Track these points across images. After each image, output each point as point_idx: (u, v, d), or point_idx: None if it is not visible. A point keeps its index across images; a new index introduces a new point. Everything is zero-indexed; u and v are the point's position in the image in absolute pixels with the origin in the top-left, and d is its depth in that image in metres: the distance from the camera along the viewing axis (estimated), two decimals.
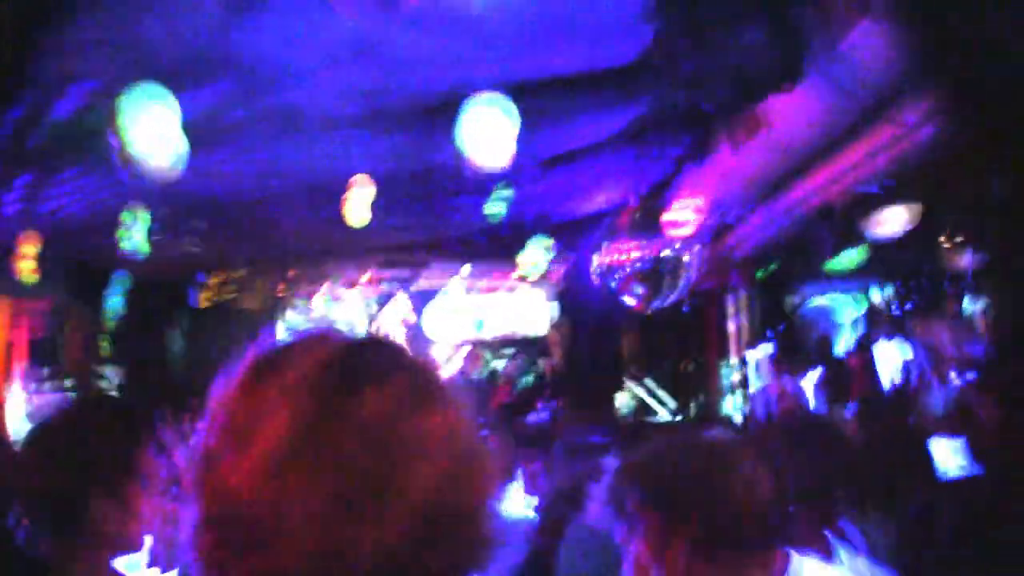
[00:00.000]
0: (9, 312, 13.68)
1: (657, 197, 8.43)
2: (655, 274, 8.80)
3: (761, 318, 12.13)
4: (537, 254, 10.34)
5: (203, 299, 14.62)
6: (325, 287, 17.36)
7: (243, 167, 7.87)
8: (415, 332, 17.51)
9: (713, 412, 12.55)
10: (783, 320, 12.05)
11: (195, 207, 9.07)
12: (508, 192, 8.45)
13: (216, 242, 10.85)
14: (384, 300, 17.74)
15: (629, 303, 9.09)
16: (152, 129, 5.17)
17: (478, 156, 5.61)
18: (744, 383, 12.08)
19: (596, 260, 9.11)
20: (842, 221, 8.34)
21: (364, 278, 16.77)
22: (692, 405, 13.20)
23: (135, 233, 8.29)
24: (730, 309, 12.51)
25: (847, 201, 8.06)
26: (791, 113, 6.86)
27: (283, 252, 12.83)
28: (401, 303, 17.64)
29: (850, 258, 9.63)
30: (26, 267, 8.96)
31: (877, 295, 12.40)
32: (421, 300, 17.42)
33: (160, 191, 8.23)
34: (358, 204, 7.66)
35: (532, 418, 12.26)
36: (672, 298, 9.08)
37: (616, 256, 8.81)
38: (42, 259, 9.23)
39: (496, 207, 8.55)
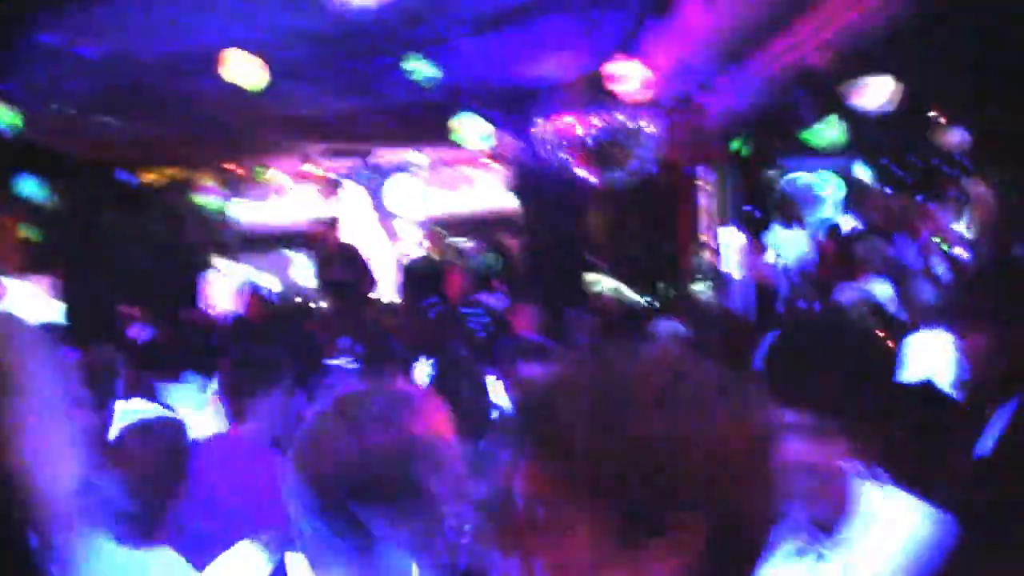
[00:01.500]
0: None
1: (614, 60, 7.32)
2: (611, 145, 7.76)
3: (736, 195, 11.17)
4: (475, 124, 9.25)
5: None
6: (271, 175, 16.52)
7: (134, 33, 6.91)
8: (376, 215, 16.82)
9: (685, 298, 11.72)
10: (760, 197, 11.07)
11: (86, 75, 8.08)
12: (432, 54, 7.43)
13: (133, 121, 9.92)
14: (336, 186, 16.99)
15: (583, 178, 8.08)
16: None
17: None
18: (717, 266, 11.19)
19: (546, 131, 8.05)
20: (821, 86, 7.31)
21: (313, 168, 15.93)
22: (662, 290, 12.31)
23: None
24: (703, 185, 11.56)
25: (826, 63, 7.02)
26: None
27: (210, 135, 11.81)
28: (353, 188, 16.88)
29: (833, 132, 8.66)
30: None
31: (862, 173, 11.41)
32: (377, 182, 16.74)
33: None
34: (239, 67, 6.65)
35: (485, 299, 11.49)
36: (630, 172, 8.07)
37: (568, 126, 7.76)
38: None
39: (420, 67, 7.47)
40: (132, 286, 12.49)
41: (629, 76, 7.01)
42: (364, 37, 7.38)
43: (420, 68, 7.49)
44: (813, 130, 8.83)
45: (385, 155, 15.84)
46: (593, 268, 12.68)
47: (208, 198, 14.40)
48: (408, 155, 15.86)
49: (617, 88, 6.98)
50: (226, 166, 15.74)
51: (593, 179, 7.89)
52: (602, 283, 11.06)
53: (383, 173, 16.31)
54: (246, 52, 6.68)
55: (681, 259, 12.09)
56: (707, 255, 11.56)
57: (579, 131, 7.59)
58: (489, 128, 9.21)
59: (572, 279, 11.66)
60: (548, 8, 7.72)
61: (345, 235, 15.85)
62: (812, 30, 6.60)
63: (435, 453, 1.88)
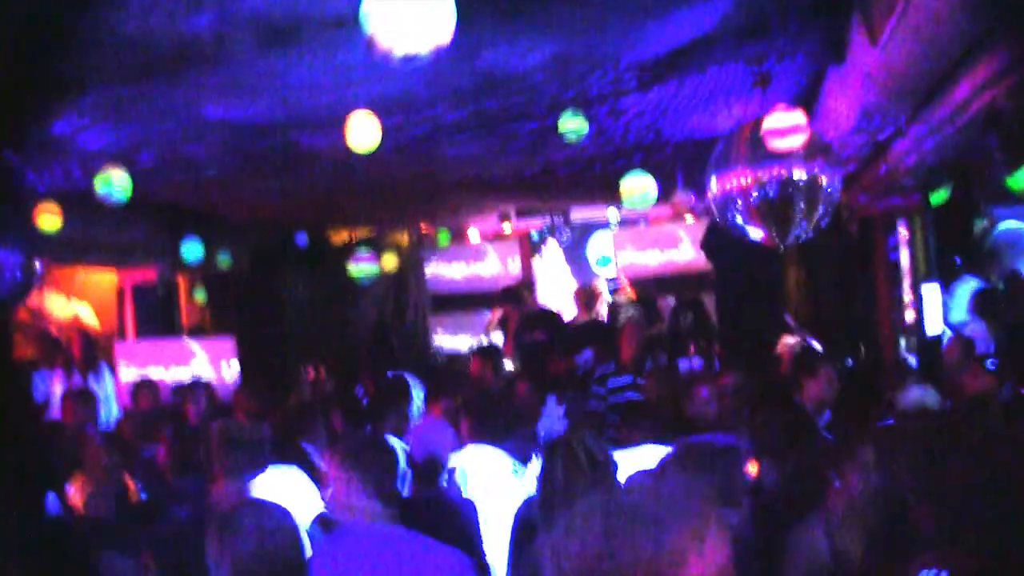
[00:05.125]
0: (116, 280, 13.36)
1: (774, 112, 6.87)
2: (785, 202, 7.29)
3: (938, 248, 10.39)
4: (642, 182, 8.91)
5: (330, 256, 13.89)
6: (467, 235, 16.60)
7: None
8: (576, 273, 16.68)
9: (883, 358, 11.01)
10: (965, 249, 10.23)
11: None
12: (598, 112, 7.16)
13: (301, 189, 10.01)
14: (535, 247, 16.95)
15: (756, 237, 7.62)
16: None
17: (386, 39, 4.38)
18: (919, 324, 10.44)
19: (717, 189, 7.65)
20: (1013, 128, 6.67)
21: (506, 228, 15.89)
22: (860, 349, 11.59)
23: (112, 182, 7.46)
24: (901, 237, 10.86)
25: (1016, 103, 6.40)
26: None
27: (383, 197, 11.83)
28: (552, 248, 16.81)
29: None
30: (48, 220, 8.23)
31: None
32: (578, 240, 16.67)
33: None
34: (360, 130, 6.50)
35: (684, 365, 11.12)
36: (810, 230, 7.56)
37: (737, 182, 7.34)
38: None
39: (575, 124, 7.20)
40: (312, 345, 12.63)
41: (791, 128, 6.56)
42: (519, 95, 7.19)
43: (575, 126, 7.25)
44: (1016, 175, 8.13)
45: (583, 213, 15.71)
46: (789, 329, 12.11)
47: (391, 259, 14.46)
48: (608, 213, 15.69)
49: (779, 143, 6.54)
50: (420, 227, 15.90)
51: (761, 236, 7.41)
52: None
53: (582, 231, 16.24)
54: (368, 112, 6.54)
55: (880, 318, 11.40)
56: (907, 313, 10.85)
57: (745, 185, 7.16)
58: (653, 187, 8.87)
59: (763, 339, 11.13)
60: (719, 59, 7.40)
61: (542, 295, 15.70)
62: (995, 69, 6.02)
63: None
